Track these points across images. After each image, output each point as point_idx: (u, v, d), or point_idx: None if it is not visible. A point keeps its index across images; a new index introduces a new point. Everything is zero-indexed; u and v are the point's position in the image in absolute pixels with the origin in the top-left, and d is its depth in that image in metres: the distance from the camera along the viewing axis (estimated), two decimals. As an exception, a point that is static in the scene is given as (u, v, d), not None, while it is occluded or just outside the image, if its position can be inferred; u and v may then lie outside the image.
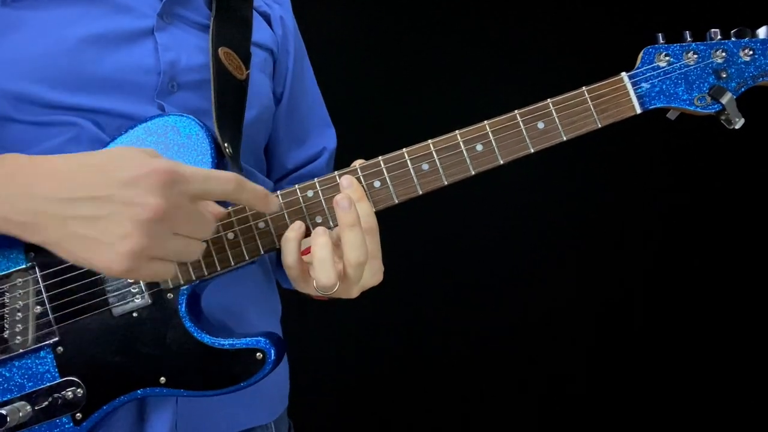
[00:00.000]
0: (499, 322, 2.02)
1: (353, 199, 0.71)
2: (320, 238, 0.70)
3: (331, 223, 0.75)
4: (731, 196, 1.95)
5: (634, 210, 2.00)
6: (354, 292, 0.75)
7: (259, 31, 0.94)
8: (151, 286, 0.74)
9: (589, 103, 0.75)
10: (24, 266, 0.74)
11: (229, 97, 0.84)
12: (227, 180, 0.64)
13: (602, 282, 2.03)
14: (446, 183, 0.75)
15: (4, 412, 0.71)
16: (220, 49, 0.84)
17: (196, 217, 0.63)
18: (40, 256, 0.73)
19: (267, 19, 0.97)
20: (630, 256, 2.03)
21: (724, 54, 0.77)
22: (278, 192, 0.75)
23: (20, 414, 0.72)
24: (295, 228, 0.73)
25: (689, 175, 1.96)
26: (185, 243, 0.62)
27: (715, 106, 0.77)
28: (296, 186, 0.75)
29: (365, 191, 0.74)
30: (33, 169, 0.63)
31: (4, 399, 0.73)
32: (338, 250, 0.72)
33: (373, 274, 0.74)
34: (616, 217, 2.00)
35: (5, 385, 0.73)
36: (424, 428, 2.09)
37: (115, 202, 0.58)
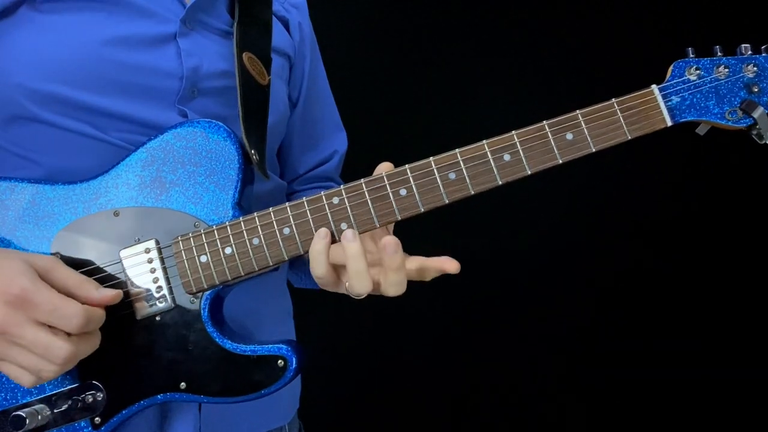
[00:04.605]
0: (511, 326, 2.00)
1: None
2: (352, 247, 0.71)
3: (356, 230, 0.74)
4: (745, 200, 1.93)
5: (638, 213, 1.98)
6: (391, 292, 0.74)
7: (278, 37, 0.94)
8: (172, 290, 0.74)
9: (619, 114, 0.74)
10: (49, 267, 0.74)
11: (254, 102, 0.84)
12: (73, 315, 0.66)
13: (603, 283, 2.00)
14: (473, 192, 0.74)
15: (23, 414, 0.70)
16: (243, 54, 0.84)
17: (36, 343, 0.65)
18: (63, 254, 0.74)
19: (285, 24, 0.98)
20: (635, 262, 2.00)
21: (755, 68, 0.76)
22: (304, 198, 0.75)
23: (39, 417, 0.71)
24: (322, 236, 0.73)
25: (696, 179, 1.95)
26: (31, 359, 0.66)
27: (747, 120, 0.76)
28: (322, 193, 0.75)
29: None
30: None
31: (24, 401, 0.73)
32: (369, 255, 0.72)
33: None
34: (617, 219, 1.98)
35: (25, 387, 0.73)
36: (434, 429, 2.05)
37: None
